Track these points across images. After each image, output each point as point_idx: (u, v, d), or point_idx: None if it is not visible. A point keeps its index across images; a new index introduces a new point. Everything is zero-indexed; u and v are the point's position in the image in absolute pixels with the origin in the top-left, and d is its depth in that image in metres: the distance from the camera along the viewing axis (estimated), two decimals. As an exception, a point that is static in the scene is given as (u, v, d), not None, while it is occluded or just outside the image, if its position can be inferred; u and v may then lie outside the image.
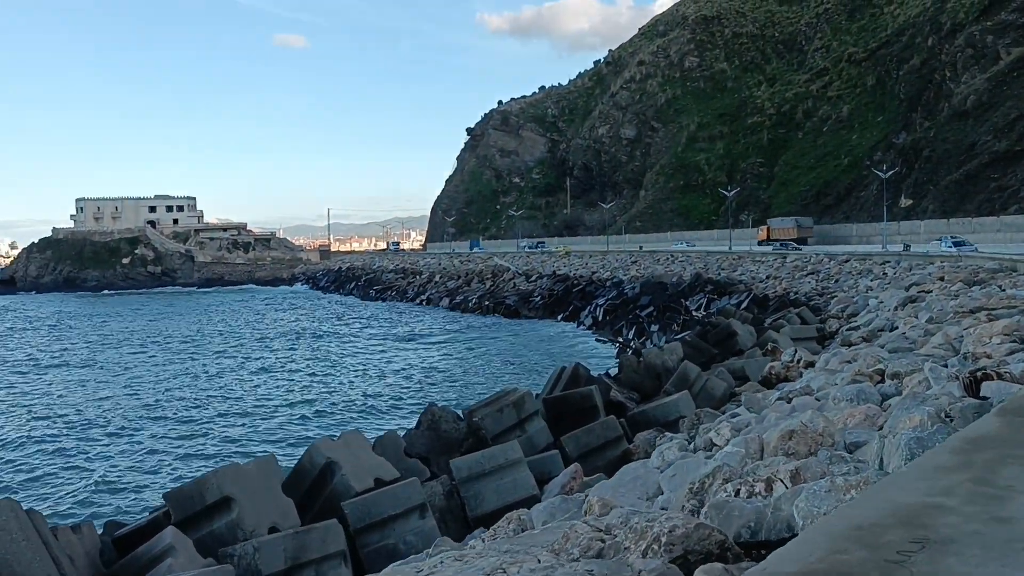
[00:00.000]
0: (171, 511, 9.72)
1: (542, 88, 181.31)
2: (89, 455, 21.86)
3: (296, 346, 48.05)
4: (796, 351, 18.11)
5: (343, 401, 28.31)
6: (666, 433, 13.46)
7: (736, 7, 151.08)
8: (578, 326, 53.56)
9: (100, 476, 19.52)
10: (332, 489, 10.78)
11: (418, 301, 79.85)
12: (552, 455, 12.31)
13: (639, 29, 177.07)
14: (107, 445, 22.98)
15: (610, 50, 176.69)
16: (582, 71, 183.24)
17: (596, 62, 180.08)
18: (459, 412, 14.47)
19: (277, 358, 42.52)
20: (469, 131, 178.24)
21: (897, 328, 18.56)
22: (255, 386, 32.74)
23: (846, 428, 5.93)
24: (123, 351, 47.47)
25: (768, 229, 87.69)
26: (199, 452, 21.78)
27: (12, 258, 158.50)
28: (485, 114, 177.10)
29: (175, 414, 27.13)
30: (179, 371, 38.04)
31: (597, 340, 45.83)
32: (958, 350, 10.73)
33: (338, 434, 12.48)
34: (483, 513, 10.72)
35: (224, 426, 24.84)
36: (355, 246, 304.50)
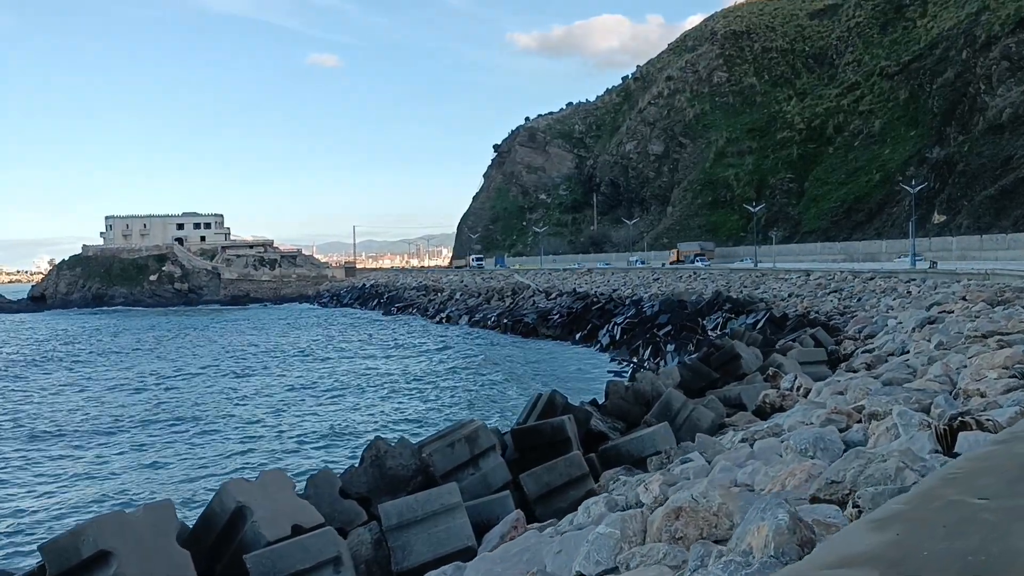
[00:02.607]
0: (47, 565, 8.59)
1: (569, 104, 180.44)
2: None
3: (293, 365, 47.13)
4: (796, 378, 16.68)
5: (309, 430, 27.24)
6: (635, 472, 12.16)
7: (766, 22, 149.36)
8: (596, 348, 52.11)
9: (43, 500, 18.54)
10: (242, 538, 9.60)
11: (438, 319, 78.94)
12: (502, 497, 11.02)
13: (668, 45, 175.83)
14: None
15: (638, 66, 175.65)
16: (610, 87, 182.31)
17: (624, 78, 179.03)
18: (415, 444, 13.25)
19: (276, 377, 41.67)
20: (496, 147, 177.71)
21: (908, 352, 17.13)
22: (255, 405, 31.77)
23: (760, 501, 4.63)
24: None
25: (678, 252, 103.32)
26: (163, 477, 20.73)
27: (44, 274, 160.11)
28: (512, 130, 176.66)
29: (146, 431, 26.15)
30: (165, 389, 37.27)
31: (612, 360, 44.41)
32: (956, 383, 9.34)
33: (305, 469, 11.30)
34: (410, 567, 9.49)
35: (221, 441, 23.75)
36: (386, 263, 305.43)
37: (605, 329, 55.76)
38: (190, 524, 10.66)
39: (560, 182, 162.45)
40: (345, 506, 11.24)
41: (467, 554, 9.49)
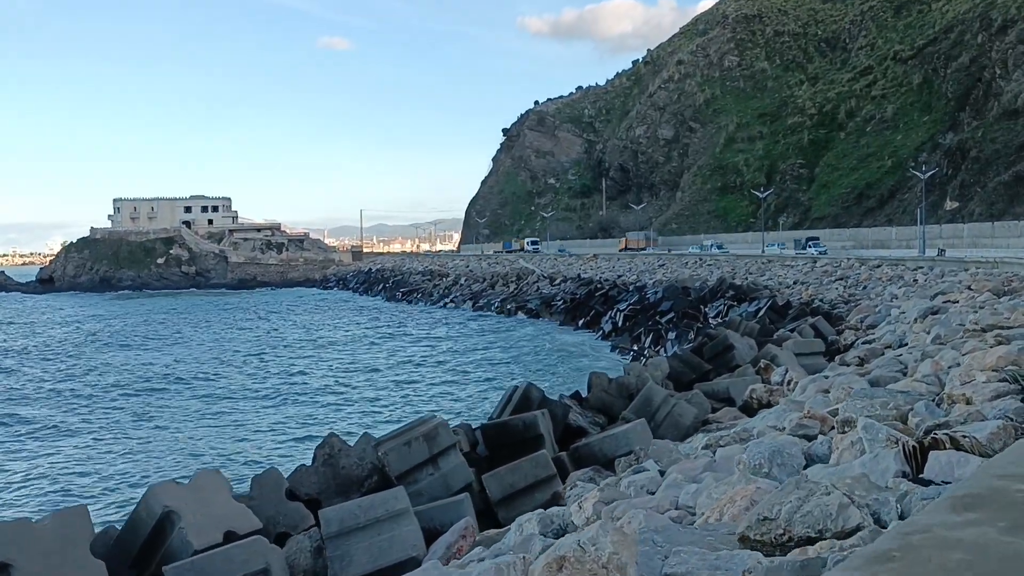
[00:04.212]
0: (-54, 576, 7.90)
1: (579, 88, 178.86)
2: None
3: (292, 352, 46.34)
4: (787, 371, 15.87)
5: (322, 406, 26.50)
6: (604, 473, 11.40)
7: (778, 5, 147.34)
8: (598, 335, 51.24)
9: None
10: (168, 547, 8.90)
11: (442, 304, 78.30)
12: (457, 502, 10.28)
13: (679, 29, 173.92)
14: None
15: (648, 49, 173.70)
16: (620, 71, 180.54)
17: (634, 62, 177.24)
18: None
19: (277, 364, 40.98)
20: (505, 132, 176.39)
21: (907, 345, 16.31)
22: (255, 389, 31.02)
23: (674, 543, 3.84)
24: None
25: (626, 240, 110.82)
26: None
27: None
28: (521, 114, 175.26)
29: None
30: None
31: (614, 350, 43.55)
32: (944, 385, 8.52)
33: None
34: (348, 579, 8.75)
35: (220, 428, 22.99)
36: (396, 247, 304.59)
37: (608, 316, 54.99)
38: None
39: (569, 167, 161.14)
40: (291, 509, 10.54)
41: (411, 565, 8.77)
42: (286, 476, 11.29)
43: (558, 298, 65.54)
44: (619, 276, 68.47)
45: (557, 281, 73.91)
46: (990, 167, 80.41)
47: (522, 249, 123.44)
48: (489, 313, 67.51)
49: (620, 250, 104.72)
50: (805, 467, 5.90)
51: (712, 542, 4.24)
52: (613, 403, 16.66)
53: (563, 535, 6.25)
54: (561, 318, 60.29)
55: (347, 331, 57.37)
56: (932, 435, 5.08)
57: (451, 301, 77.80)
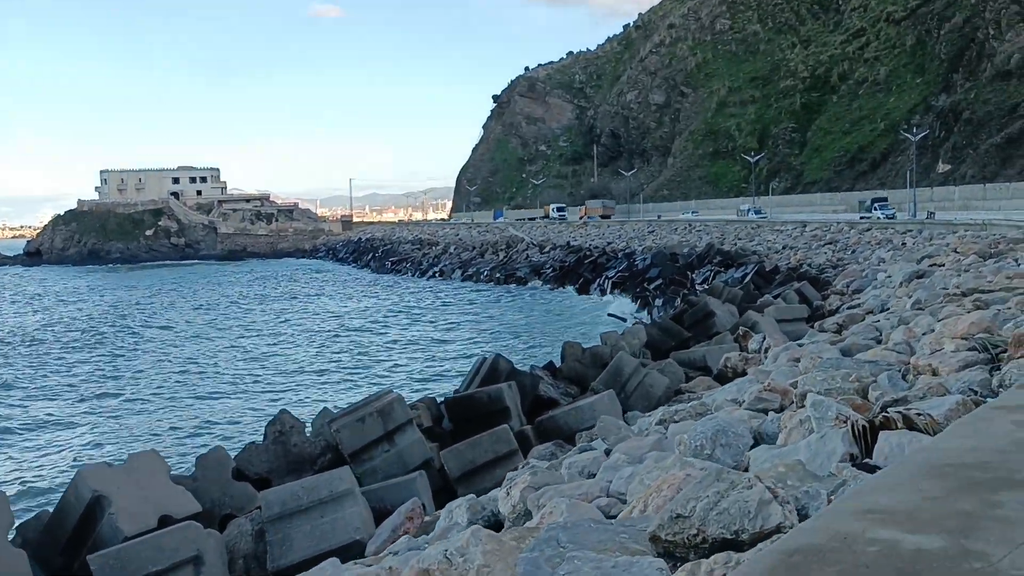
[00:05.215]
0: None
1: (570, 54, 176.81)
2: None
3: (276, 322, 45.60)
4: (765, 338, 15.40)
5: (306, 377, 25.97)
6: (566, 448, 10.95)
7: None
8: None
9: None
10: (97, 534, 8.43)
11: (431, 274, 77.61)
12: (408, 480, 9.80)
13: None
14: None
15: (640, 13, 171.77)
16: (611, 36, 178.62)
17: (625, 26, 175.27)
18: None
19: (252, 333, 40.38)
20: (495, 98, 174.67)
21: (888, 310, 15.87)
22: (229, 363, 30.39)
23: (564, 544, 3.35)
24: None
25: (585, 209, 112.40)
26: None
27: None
28: (512, 81, 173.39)
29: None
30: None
31: (609, 315, 43.03)
32: (915, 352, 8.05)
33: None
34: (287, 565, 8.29)
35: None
36: (389, 216, 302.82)
37: (596, 283, 54.65)
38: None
39: (560, 133, 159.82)
40: (237, 489, 10.08)
41: (355, 548, 8.33)
42: (237, 455, 10.83)
43: (548, 265, 65.07)
44: (608, 243, 67.97)
45: (547, 249, 73.40)
46: (982, 129, 79.72)
47: (546, 216, 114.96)
48: (478, 283, 66.91)
49: (580, 218, 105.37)
50: (753, 447, 5.43)
51: (625, 542, 3.76)
52: (586, 373, 16.19)
53: (495, 523, 5.78)
54: (551, 285, 59.87)
55: (328, 305, 56.54)
56: (884, 413, 4.60)
57: (440, 271, 77.17)
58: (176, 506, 8.90)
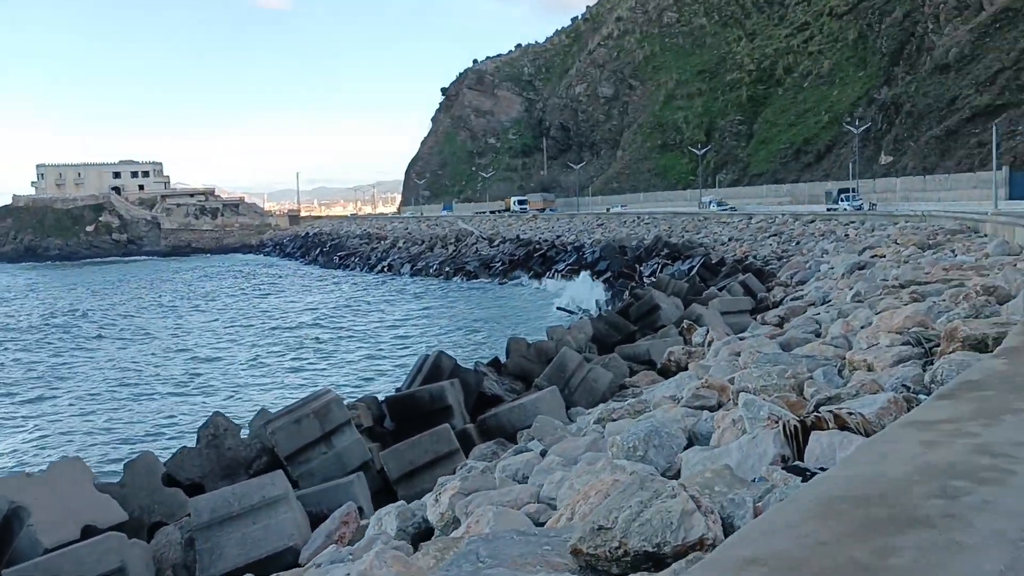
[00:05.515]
0: None
1: (518, 46, 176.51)
2: None
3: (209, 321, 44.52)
4: (708, 331, 15.41)
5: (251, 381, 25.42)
6: (507, 446, 10.80)
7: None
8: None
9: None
10: (15, 547, 8.06)
11: (379, 268, 76.87)
12: (348, 482, 9.58)
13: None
14: None
15: (588, 6, 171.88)
16: (559, 28, 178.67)
17: (573, 19, 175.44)
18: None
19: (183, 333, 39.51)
20: (444, 91, 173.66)
21: (830, 302, 15.98)
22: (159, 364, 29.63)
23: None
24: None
25: (531, 202, 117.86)
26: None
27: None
28: (460, 73, 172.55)
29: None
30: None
31: (558, 309, 42.96)
32: (852, 347, 8.04)
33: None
34: (218, 574, 8.02)
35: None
36: (338, 210, 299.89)
37: (546, 276, 54.68)
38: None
39: (509, 126, 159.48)
40: (167, 496, 9.74)
41: (287, 556, 8.09)
42: (168, 460, 10.48)
43: (497, 259, 64.90)
44: (558, 236, 68.04)
45: (496, 242, 73.22)
46: (923, 121, 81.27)
47: (507, 209, 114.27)
48: (428, 278, 66.44)
49: (504, 211, 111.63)
50: (688, 447, 5.32)
51: (548, 554, 3.60)
52: (532, 369, 16.05)
53: (426, 530, 5.59)
54: (500, 279, 59.72)
55: (273, 302, 55.49)
56: (816, 413, 4.51)
57: (388, 266, 76.52)
58: (100, 515, 8.55)
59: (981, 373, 3.39)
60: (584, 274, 45.98)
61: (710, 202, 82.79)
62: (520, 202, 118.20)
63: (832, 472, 2.26)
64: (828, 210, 55.73)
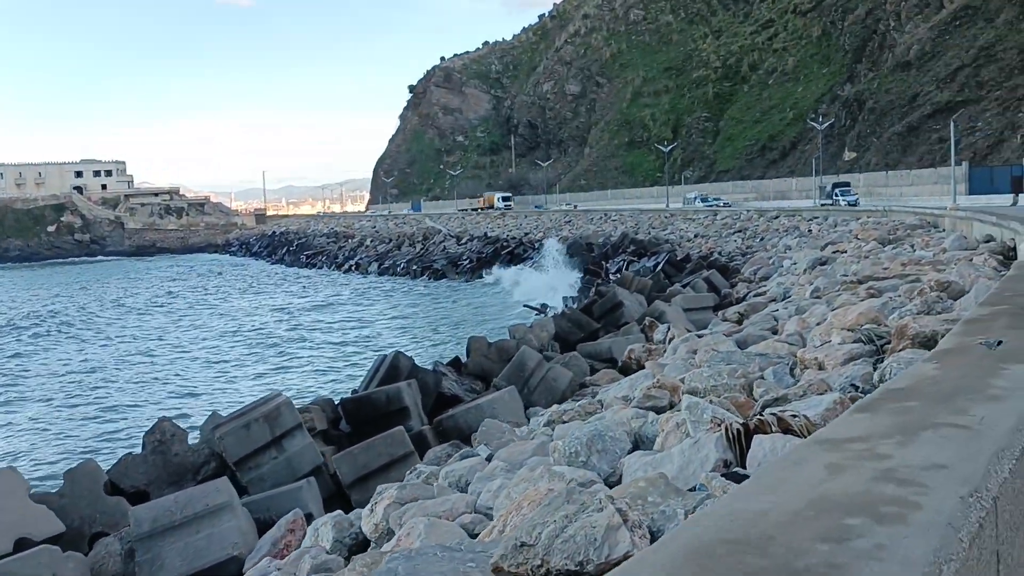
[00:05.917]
0: None
1: (485, 43, 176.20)
2: None
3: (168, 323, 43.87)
4: (669, 329, 15.31)
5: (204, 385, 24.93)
6: (462, 447, 10.59)
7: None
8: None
9: None
10: (-57, 560, 7.72)
11: (347, 267, 76.22)
12: (296, 488, 9.32)
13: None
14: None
15: (554, 3, 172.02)
16: (526, 25, 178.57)
17: (540, 16, 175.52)
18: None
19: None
20: (411, 89, 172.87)
21: (790, 298, 15.93)
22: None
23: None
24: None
25: (484, 199, 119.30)
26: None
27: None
28: (428, 71, 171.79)
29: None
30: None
31: (525, 306, 42.75)
32: (807, 344, 7.92)
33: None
34: (157, 586, 7.74)
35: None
36: (307, 209, 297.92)
37: (495, 266, 54.66)
38: None
39: (477, 124, 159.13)
40: (110, 505, 9.43)
41: (231, 566, 7.82)
42: (111, 467, 10.16)
43: (464, 257, 64.61)
44: (526, 234, 67.90)
45: (464, 240, 72.93)
46: (885, 118, 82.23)
47: (490, 207, 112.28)
48: (395, 276, 65.95)
49: (482, 208, 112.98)
50: (631, 452, 5.14)
51: (471, 572, 3.41)
52: (493, 368, 15.85)
53: (362, 541, 5.37)
54: (467, 277, 59.44)
55: (236, 302, 54.71)
56: (759, 416, 4.35)
57: (356, 265, 75.91)
58: (35, 527, 8.24)
59: (908, 380, 3.22)
60: (550, 240, 46.33)
61: (695, 198, 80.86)
62: (504, 199, 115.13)
63: (719, 505, 1.96)
64: (822, 205, 54.75)
